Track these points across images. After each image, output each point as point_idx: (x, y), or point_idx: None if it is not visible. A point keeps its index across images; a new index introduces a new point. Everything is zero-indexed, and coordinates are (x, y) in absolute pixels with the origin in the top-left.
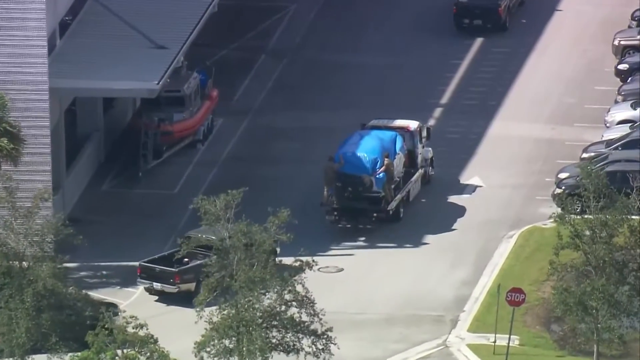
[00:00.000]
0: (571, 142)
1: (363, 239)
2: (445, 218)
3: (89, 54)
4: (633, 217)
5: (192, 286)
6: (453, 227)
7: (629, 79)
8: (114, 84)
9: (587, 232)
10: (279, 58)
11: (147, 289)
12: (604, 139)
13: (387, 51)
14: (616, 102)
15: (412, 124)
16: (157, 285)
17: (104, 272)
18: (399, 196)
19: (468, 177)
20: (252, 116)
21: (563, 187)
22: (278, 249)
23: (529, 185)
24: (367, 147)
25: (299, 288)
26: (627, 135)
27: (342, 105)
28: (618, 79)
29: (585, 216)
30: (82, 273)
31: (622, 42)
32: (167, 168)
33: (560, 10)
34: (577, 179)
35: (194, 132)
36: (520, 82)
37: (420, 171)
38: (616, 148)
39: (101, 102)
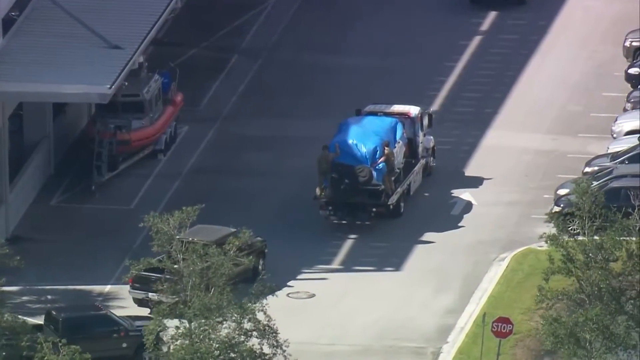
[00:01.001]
0: (574, 154)
1: (337, 264)
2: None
3: (35, 53)
4: (632, 239)
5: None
6: (438, 248)
7: None
8: (62, 88)
9: (581, 256)
10: (253, 58)
11: (138, 301)
12: (609, 151)
13: (373, 51)
14: (625, 110)
15: (413, 110)
16: (153, 296)
17: (49, 297)
18: (399, 189)
19: (458, 192)
20: (221, 123)
21: (562, 205)
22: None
23: (524, 203)
24: (365, 135)
25: (260, 316)
26: (634, 147)
27: (322, 112)
28: (629, 85)
29: (579, 238)
30: (25, 298)
31: (633, 44)
32: (123, 181)
33: None
34: (571, 196)
35: (155, 141)
36: (520, 87)
37: (422, 161)
38: (622, 162)
39: (50, 107)
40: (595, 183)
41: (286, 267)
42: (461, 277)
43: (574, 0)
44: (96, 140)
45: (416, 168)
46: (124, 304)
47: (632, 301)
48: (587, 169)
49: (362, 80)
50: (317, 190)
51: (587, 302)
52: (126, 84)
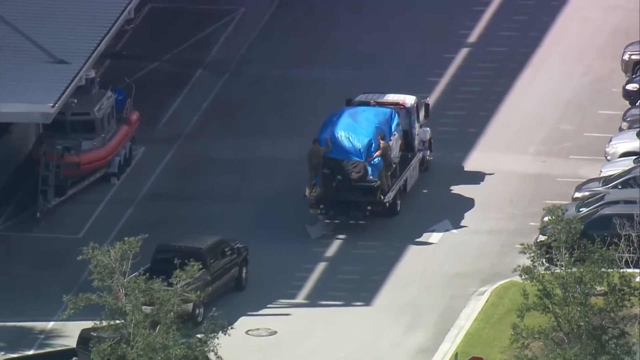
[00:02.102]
0: (565, 178)
1: (302, 298)
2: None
3: None
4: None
5: (189, 307)
6: (412, 280)
7: (638, 102)
8: (1, 107)
9: (559, 291)
10: (219, 73)
11: None
12: (601, 175)
13: (350, 64)
14: (620, 129)
15: (409, 99)
16: (146, 309)
17: None
18: (396, 185)
19: (436, 219)
20: (181, 144)
21: (548, 234)
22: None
23: (508, 231)
24: (359, 127)
25: (211, 357)
26: (629, 170)
27: (293, 132)
28: (627, 102)
29: (557, 271)
30: None
31: (632, 57)
32: (72, 208)
33: None
34: (547, 226)
35: (107, 163)
36: (508, 104)
37: (419, 155)
38: (615, 187)
39: None
40: (582, 210)
41: (247, 302)
42: (436, 313)
43: (571, 10)
44: (42, 163)
45: (413, 162)
46: (68, 342)
47: (614, 340)
48: (577, 194)
49: (337, 95)
50: (307, 189)
51: (566, 341)
52: (75, 101)
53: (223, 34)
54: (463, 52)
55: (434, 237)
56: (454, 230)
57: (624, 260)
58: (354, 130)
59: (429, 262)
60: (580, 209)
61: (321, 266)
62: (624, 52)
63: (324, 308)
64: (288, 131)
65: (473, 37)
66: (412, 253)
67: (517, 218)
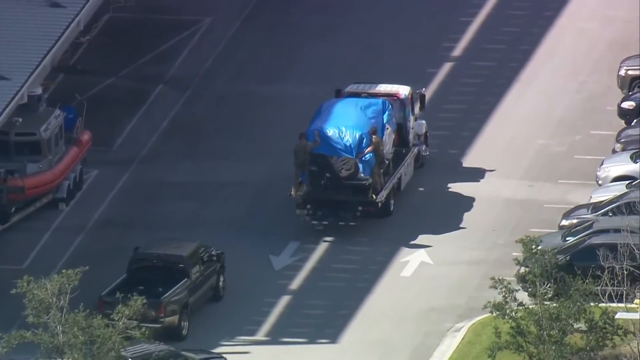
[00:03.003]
0: (552, 204)
1: (263, 335)
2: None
3: None
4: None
5: (175, 319)
6: (383, 315)
7: (634, 121)
8: None
9: (533, 328)
10: (181, 89)
11: None
12: (591, 200)
13: (322, 79)
14: (614, 151)
15: (402, 90)
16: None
17: None
18: (389, 183)
19: (410, 250)
20: (138, 167)
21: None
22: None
23: (489, 262)
24: (348, 120)
25: None
26: (621, 196)
27: (260, 154)
28: (622, 121)
29: (531, 306)
30: None
31: (629, 72)
32: (15, 236)
33: None
34: (523, 259)
35: (55, 188)
36: (494, 123)
37: (414, 150)
38: (605, 214)
39: None
40: (568, 239)
41: (206, 337)
42: (409, 350)
43: (565, 21)
44: None
45: (407, 158)
46: None
47: None
48: (564, 222)
49: (308, 114)
50: (293, 188)
51: None
52: (19, 120)
53: (187, 46)
54: (446, 67)
55: (409, 267)
56: (430, 261)
57: (607, 294)
58: (343, 124)
59: (403, 295)
60: (567, 238)
61: (285, 299)
62: (620, 67)
63: (285, 346)
64: (255, 153)
65: (458, 51)
66: (385, 285)
67: (499, 248)
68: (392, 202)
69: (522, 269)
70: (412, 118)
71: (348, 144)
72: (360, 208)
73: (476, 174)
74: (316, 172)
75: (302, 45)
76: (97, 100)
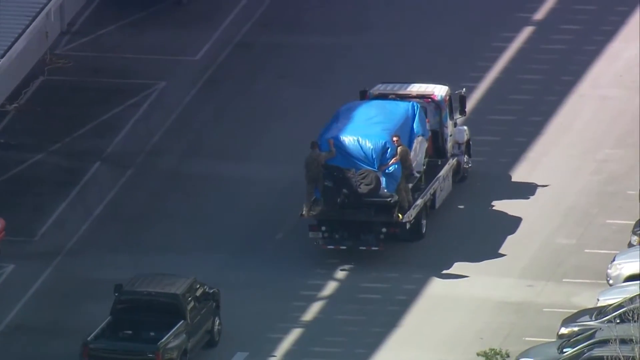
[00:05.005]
0: (553, 308)
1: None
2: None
3: None
4: None
5: None
6: None
7: None
8: None
9: None
10: (122, 167)
11: None
12: (598, 304)
13: (291, 159)
14: (630, 245)
15: (439, 91)
16: None
17: None
18: (420, 201)
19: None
20: (63, 261)
21: None
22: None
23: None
24: (370, 127)
25: None
26: (631, 299)
27: (208, 247)
28: None
29: None
30: None
31: None
32: None
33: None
34: None
35: None
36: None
37: (452, 161)
38: (610, 320)
39: None
40: (566, 350)
41: None
42: None
43: (587, 87)
44: None
45: (443, 171)
46: None
47: None
48: (564, 330)
49: (271, 197)
50: (305, 206)
51: None
52: None
53: (133, 116)
54: None
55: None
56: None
57: None
58: (364, 130)
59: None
60: (564, 350)
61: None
62: None
63: None
64: (204, 246)
65: None
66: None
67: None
68: (424, 222)
69: None
70: (450, 123)
71: (369, 154)
72: (384, 230)
73: (465, 272)
74: (331, 188)
75: (267, 116)
76: (19, 180)
